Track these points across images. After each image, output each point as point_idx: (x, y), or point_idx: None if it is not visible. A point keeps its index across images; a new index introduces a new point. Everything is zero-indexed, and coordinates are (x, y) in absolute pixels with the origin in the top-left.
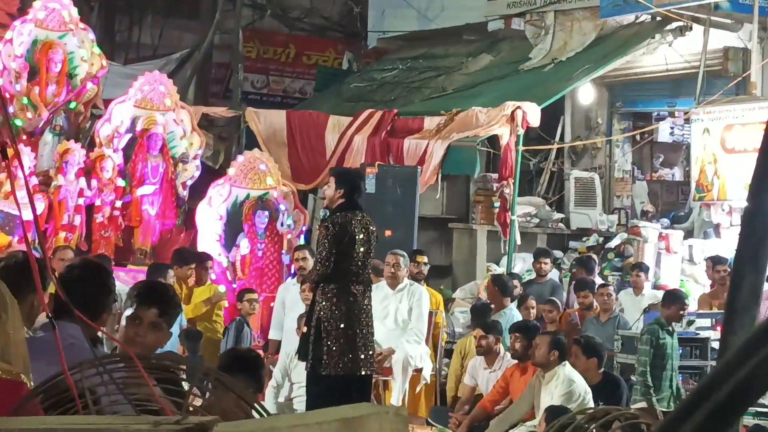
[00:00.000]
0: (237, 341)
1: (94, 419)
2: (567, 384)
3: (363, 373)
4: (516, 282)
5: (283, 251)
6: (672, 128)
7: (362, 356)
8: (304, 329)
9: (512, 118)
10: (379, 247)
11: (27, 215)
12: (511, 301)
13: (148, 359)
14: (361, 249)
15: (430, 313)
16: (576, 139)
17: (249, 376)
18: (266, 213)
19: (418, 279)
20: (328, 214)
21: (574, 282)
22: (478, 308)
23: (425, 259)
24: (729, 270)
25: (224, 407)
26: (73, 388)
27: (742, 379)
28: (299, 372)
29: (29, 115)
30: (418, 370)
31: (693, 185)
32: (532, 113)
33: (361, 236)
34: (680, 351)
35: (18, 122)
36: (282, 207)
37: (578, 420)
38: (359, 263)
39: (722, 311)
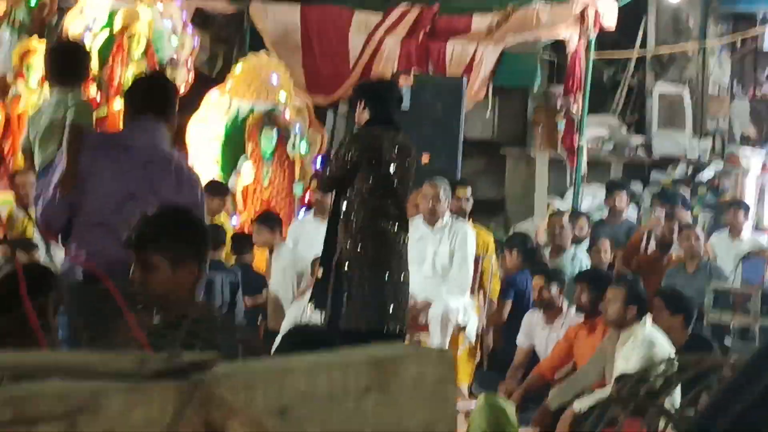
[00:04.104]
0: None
1: (69, 356)
2: (647, 346)
3: (391, 328)
4: (584, 222)
5: (296, 180)
6: None
7: (390, 309)
8: (320, 274)
9: (582, 17)
10: (416, 176)
11: None
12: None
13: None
14: (395, 174)
15: (477, 258)
16: (661, 45)
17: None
18: (275, 132)
19: (460, 216)
20: None
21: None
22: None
23: (468, 192)
24: None
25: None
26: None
27: None
28: None
29: None
30: (461, 328)
31: None
32: (608, 12)
33: (394, 158)
34: None
35: None
36: (294, 125)
37: (661, 371)
38: (392, 193)
39: None
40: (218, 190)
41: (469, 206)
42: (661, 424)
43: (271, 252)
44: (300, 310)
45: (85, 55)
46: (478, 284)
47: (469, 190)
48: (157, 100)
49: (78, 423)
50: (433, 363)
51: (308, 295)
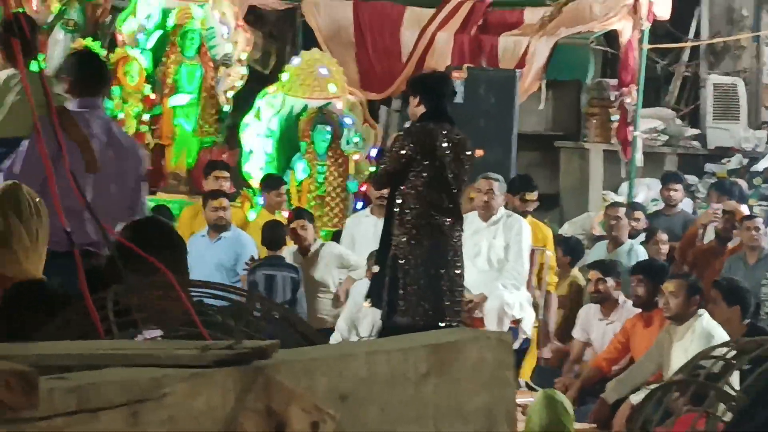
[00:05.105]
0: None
1: (131, 344)
2: (705, 339)
3: (447, 322)
4: (640, 214)
5: (350, 176)
6: None
7: (447, 303)
8: (376, 269)
9: (635, 9)
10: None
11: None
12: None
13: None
14: (449, 169)
15: (533, 251)
16: (715, 35)
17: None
18: (328, 128)
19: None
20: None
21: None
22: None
23: (535, 195)
24: None
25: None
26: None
27: None
28: (370, 322)
29: (35, 5)
30: (517, 322)
31: None
32: (661, 3)
33: (449, 153)
34: None
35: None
36: (347, 121)
37: (721, 354)
38: (446, 187)
39: None
40: (276, 184)
41: (532, 208)
42: (720, 408)
43: (305, 250)
44: (356, 308)
45: (32, 24)
46: (536, 277)
47: (536, 194)
48: (105, 80)
49: (141, 410)
50: (492, 347)
51: (355, 290)
